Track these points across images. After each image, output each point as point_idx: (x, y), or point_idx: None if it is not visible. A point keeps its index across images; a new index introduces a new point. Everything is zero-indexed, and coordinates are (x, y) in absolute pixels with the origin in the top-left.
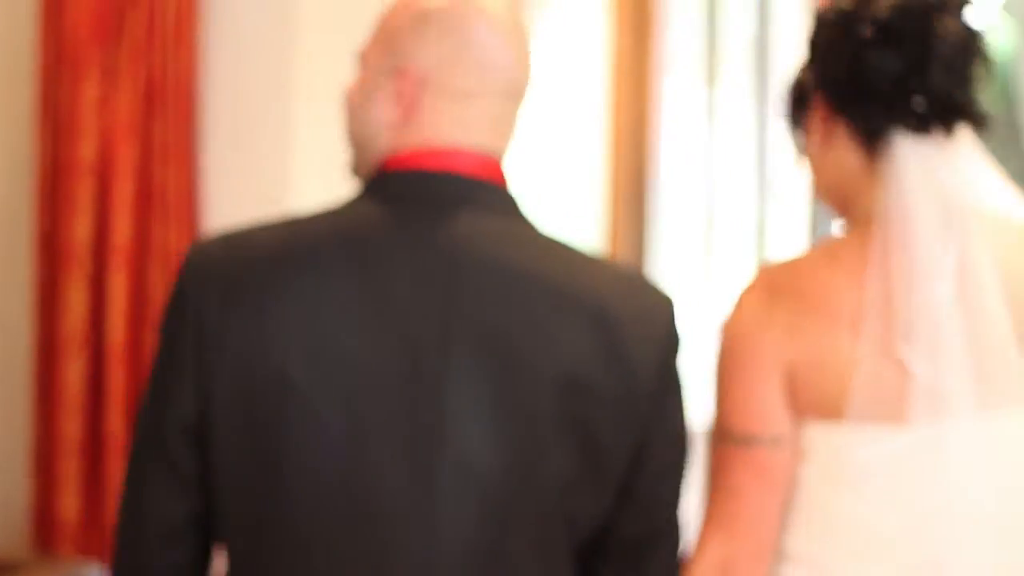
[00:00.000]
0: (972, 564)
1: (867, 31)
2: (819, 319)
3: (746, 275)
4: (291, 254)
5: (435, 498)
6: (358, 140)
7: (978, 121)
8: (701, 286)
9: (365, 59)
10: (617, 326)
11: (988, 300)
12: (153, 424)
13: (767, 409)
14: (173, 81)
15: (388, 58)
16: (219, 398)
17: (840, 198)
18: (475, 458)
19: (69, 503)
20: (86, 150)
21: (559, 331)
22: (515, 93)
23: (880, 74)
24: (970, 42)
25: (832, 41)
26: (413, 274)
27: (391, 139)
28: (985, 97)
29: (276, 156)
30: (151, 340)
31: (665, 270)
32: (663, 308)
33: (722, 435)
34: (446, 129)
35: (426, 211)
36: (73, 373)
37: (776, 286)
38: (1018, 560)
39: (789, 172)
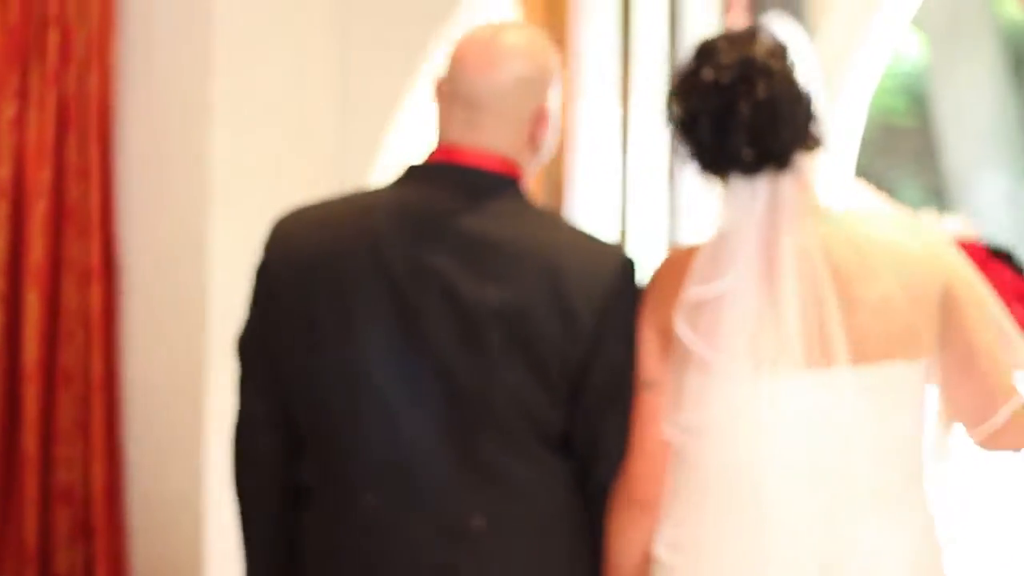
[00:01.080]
0: (784, 501)
1: (681, 115)
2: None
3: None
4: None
5: (420, 398)
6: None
7: (806, 150)
8: None
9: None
10: (564, 277)
11: (802, 287)
12: (245, 346)
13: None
14: (88, 102)
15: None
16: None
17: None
18: (446, 370)
19: None
20: (1, 172)
21: (512, 279)
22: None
23: (698, 147)
24: (778, 100)
25: (670, 119)
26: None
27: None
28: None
29: (191, 174)
30: (65, 358)
31: None
32: (612, 266)
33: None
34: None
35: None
36: None
37: (661, 270)
38: (826, 501)
39: (699, 189)
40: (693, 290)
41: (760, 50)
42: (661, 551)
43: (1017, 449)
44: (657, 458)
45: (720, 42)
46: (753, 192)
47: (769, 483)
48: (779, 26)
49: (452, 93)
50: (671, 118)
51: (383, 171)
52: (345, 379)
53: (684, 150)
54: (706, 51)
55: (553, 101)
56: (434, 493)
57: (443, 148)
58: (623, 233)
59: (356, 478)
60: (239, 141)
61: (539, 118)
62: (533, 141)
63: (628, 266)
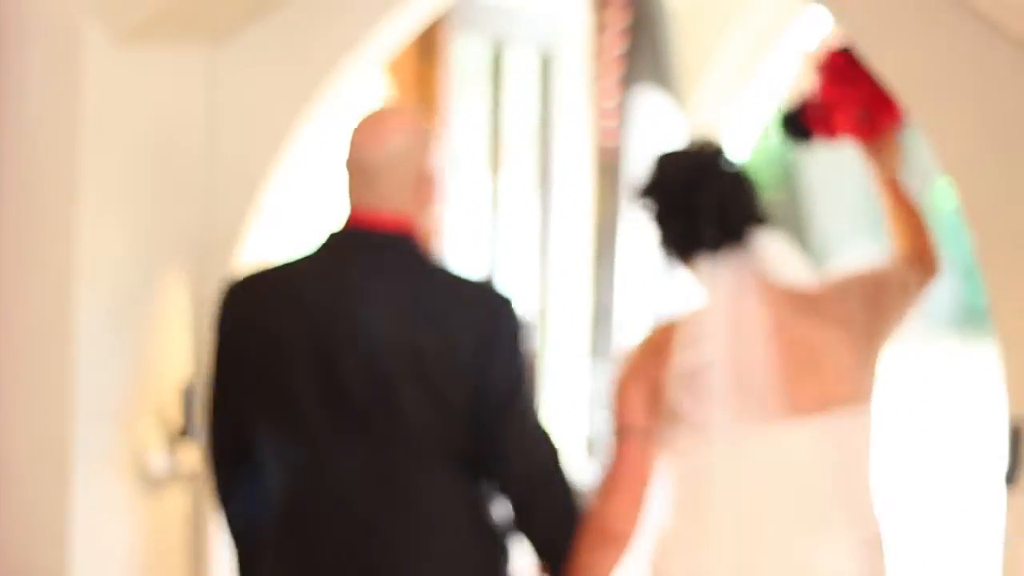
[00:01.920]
0: (758, 524)
1: (653, 209)
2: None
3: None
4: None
5: (342, 426)
6: None
7: (757, 226)
8: None
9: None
10: (451, 317)
11: (754, 350)
12: (208, 390)
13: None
14: None
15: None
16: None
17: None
18: (361, 403)
19: None
20: None
21: (408, 323)
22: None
23: (667, 233)
24: (731, 190)
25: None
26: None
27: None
28: (768, 192)
29: (57, 246)
30: None
31: None
32: (492, 304)
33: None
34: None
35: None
36: None
37: (649, 338)
38: (792, 523)
39: (569, 256)
40: (679, 359)
41: (708, 153)
42: (663, 561)
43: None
44: (634, 497)
45: (674, 154)
46: (719, 269)
47: (744, 509)
48: (650, 99)
49: (351, 166)
50: (649, 216)
51: (256, 233)
52: (281, 415)
53: (659, 241)
54: (665, 160)
55: (431, 166)
56: (356, 505)
57: (351, 215)
58: None
59: (296, 492)
60: (105, 211)
61: (421, 180)
62: (419, 198)
63: (506, 302)
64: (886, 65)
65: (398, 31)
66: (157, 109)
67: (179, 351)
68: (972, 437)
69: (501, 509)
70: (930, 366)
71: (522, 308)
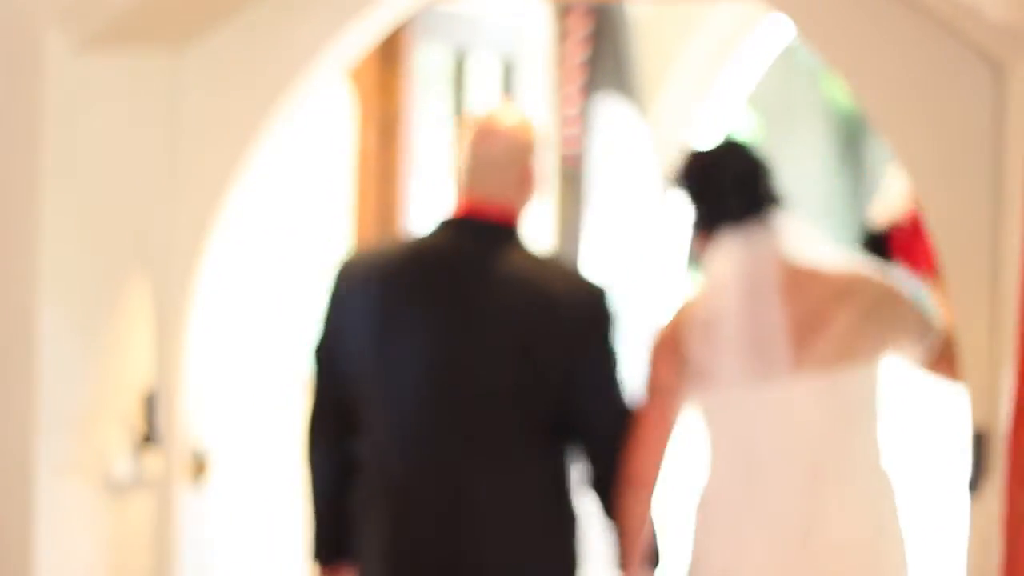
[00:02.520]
0: (772, 476)
1: (682, 187)
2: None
3: None
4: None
5: (445, 394)
6: None
7: (773, 207)
8: None
9: None
10: (555, 301)
11: (768, 316)
12: (317, 355)
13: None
14: None
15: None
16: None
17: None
18: (466, 373)
19: None
20: None
21: (514, 303)
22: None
23: (698, 208)
24: (748, 172)
25: (679, 196)
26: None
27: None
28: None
29: (20, 258)
30: None
31: None
32: (589, 292)
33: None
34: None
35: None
36: None
37: (679, 312)
38: (803, 475)
39: None
40: (701, 321)
41: (735, 142)
42: (692, 510)
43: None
44: (656, 449)
45: (706, 147)
46: (740, 239)
47: (760, 461)
48: (612, 106)
49: (467, 160)
50: (683, 194)
51: (219, 239)
52: (387, 384)
53: (690, 216)
54: (698, 151)
55: (534, 163)
56: (447, 468)
57: (464, 203)
58: None
59: (390, 453)
60: (67, 218)
61: (525, 175)
62: (523, 192)
63: (602, 291)
64: (843, 68)
65: (360, 38)
66: (119, 116)
67: (142, 358)
68: (936, 445)
69: (576, 470)
70: (893, 374)
71: (614, 298)
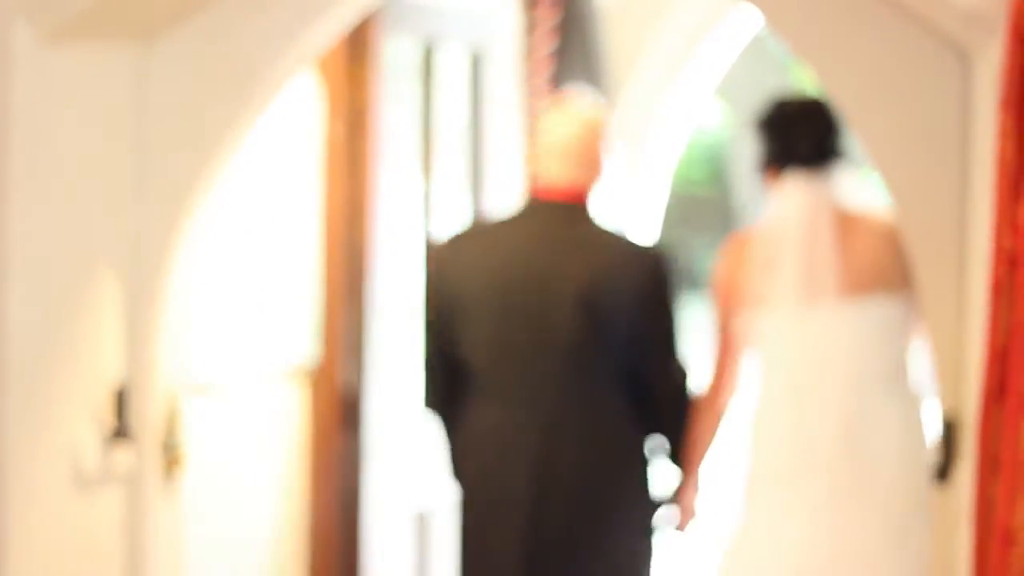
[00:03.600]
0: (818, 386)
1: (765, 126)
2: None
3: None
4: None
5: (537, 348)
6: None
7: (836, 161)
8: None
9: None
10: (622, 270)
11: (820, 251)
12: (427, 320)
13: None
14: None
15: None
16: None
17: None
18: (554, 329)
19: None
20: None
21: (589, 270)
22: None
23: (772, 148)
24: (825, 124)
25: (758, 134)
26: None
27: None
28: (704, 179)
29: None
30: None
31: (381, 351)
32: (651, 258)
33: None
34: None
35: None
36: None
37: (730, 247)
38: (847, 385)
39: None
40: (762, 252)
41: (814, 98)
42: (743, 423)
43: None
44: (726, 380)
45: (796, 97)
46: (803, 183)
47: (807, 374)
48: (581, 95)
49: (545, 147)
50: (763, 132)
51: (189, 232)
52: (491, 334)
53: (762, 153)
54: (787, 99)
55: (603, 148)
56: (546, 409)
57: (544, 185)
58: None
59: (495, 395)
60: (36, 212)
61: (595, 159)
62: (593, 174)
63: (663, 257)
64: (810, 57)
65: (328, 30)
66: (87, 109)
67: (112, 352)
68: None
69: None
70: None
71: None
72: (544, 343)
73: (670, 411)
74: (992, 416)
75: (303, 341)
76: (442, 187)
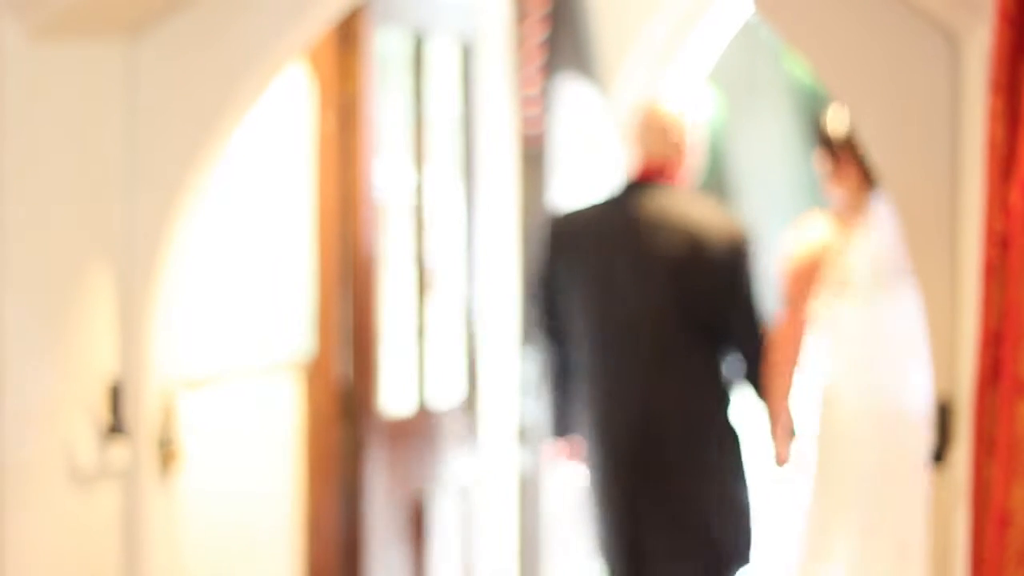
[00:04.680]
0: (872, 352)
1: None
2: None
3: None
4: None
5: (635, 308)
6: None
7: None
8: (413, 356)
9: None
10: (707, 240)
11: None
12: (537, 281)
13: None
14: None
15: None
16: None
17: (847, 200)
18: (649, 295)
19: None
20: None
21: (679, 240)
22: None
23: (854, 172)
24: None
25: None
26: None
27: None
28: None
29: None
30: None
31: (384, 342)
32: (733, 229)
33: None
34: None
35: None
36: None
37: (804, 242)
38: (893, 356)
39: (495, 245)
40: (850, 257)
41: None
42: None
43: None
44: (793, 340)
45: None
46: (878, 201)
47: (874, 354)
48: (572, 86)
49: (643, 136)
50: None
51: (181, 225)
52: (595, 299)
53: (842, 180)
54: None
55: (691, 136)
56: (643, 361)
57: (642, 168)
58: (420, 286)
59: (597, 357)
60: (28, 208)
61: (683, 144)
62: (681, 157)
63: (745, 231)
64: (800, 43)
65: (318, 22)
66: (77, 104)
67: (107, 347)
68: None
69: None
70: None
71: (753, 235)
72: (641, 308)
73: (754, 361)
74: (987, 398)
75: (298, 335)
76: (435, 178)
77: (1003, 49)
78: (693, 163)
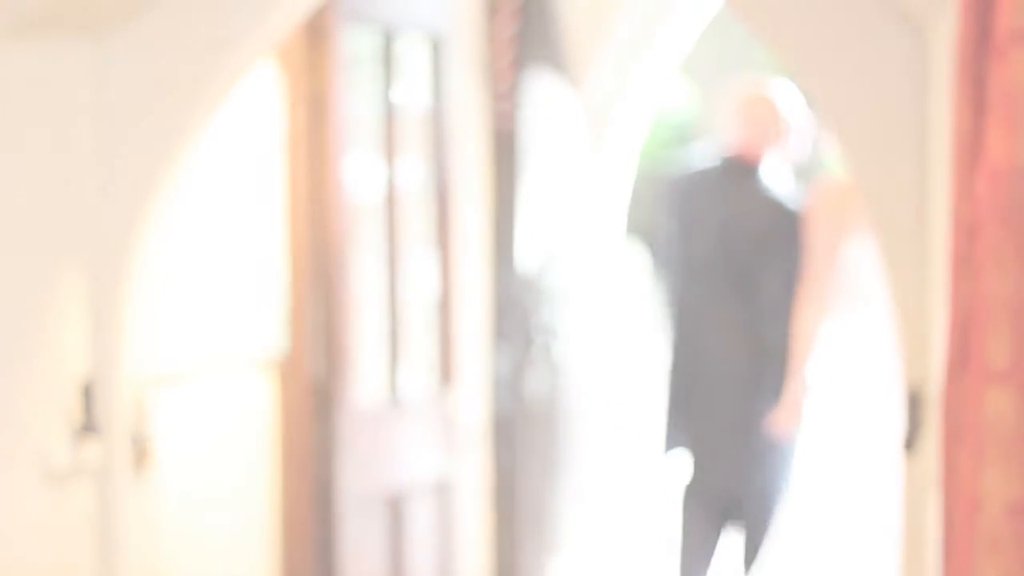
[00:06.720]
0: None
1: None
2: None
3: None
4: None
5: (717, 268)
6: None
7: None
8: (387, 351)
9: None
10: (773, 217)
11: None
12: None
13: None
14: None
15: None
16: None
17: None
18: (728, 258)
19: None
20: None
21: (751, 214)
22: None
23: None
24: None
25: None
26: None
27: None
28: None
29: None
30: None
31: (356, 338)
32: (792, 215)
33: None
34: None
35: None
36: None
37: (829, 199)
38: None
39: (467, 241)
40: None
41: None
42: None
43: None
44: (826, 282)
45: None
46: None
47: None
48: (543, 80)
49: (738, 118)
50: None
51: (152, 224)
52: (694, 256)
53: None
54: None
55: (784, 121)
56: (723, 305)
57: (735, 148)
58: (391, 286)
59: (689, 297)
60: None
61: (779, 130)
62: (768, 140)
63: (795, 213)
64: (767, 34)
65: (287, 19)
66: (45, 104)
67: (78, 346)
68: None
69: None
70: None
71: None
72: (722, 265)
73: (786, 316)
74: (956, 387)
75: (271, 331)
76: (406, 175)
77: (967, 39)
78: (789, 148)
